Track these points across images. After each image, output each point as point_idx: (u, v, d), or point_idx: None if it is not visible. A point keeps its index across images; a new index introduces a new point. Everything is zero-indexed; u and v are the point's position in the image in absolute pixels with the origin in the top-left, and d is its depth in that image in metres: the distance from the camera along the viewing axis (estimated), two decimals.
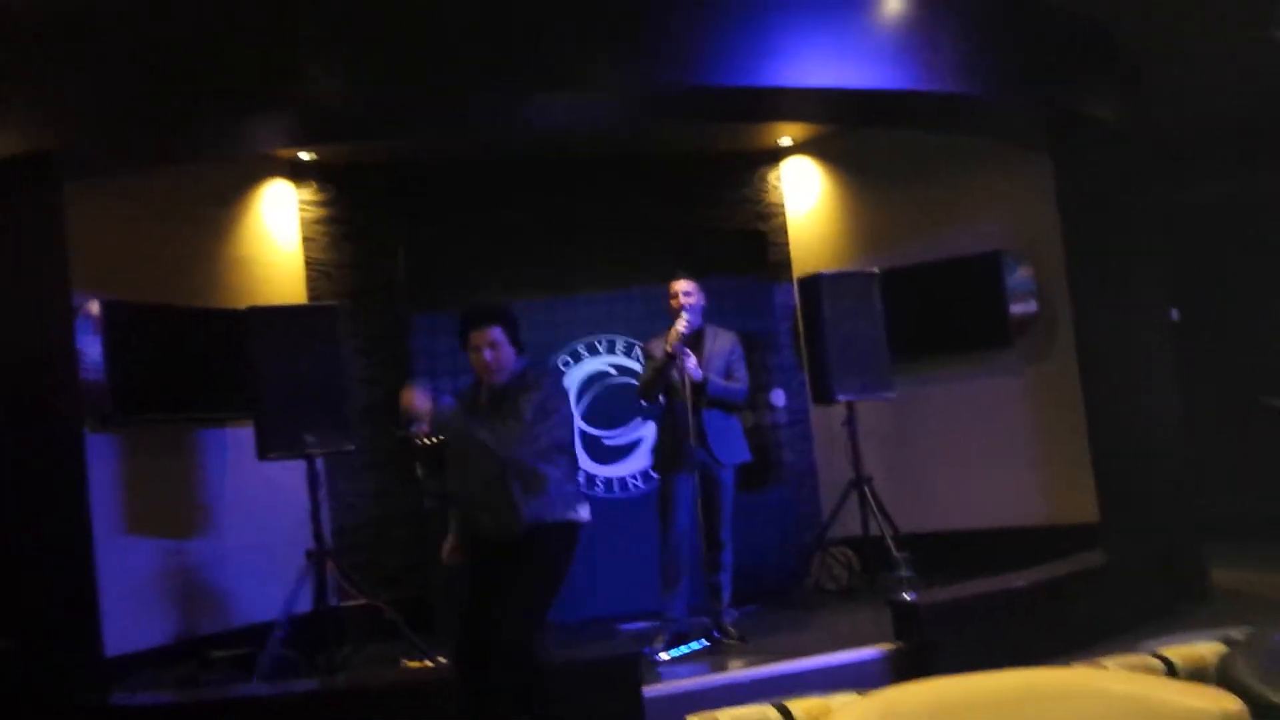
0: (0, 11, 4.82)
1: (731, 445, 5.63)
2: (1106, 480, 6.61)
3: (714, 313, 5.66)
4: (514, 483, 4.00)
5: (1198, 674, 2.18)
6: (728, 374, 5.61)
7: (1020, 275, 7.18)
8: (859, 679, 4.93)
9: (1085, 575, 5.79)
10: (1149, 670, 2.18)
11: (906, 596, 5.37)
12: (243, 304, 6.09)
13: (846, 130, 7.46)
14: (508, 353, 4.14)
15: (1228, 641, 2.16)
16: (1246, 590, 6.40)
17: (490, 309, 4.21)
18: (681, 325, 5.42)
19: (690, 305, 5.51)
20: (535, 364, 4.27)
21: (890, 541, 6.37)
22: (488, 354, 4.10)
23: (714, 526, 5.53)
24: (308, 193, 7.06)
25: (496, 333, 4.12)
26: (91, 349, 5.59)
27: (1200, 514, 6.54)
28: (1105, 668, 2.17)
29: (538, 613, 4.07)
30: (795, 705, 2.09)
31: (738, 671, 4.99)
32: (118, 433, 5.85)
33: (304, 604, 5.62)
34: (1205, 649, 2.21)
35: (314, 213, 7.07)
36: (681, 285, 5.56)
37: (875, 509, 6.58)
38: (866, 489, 6.64)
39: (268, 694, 4.88)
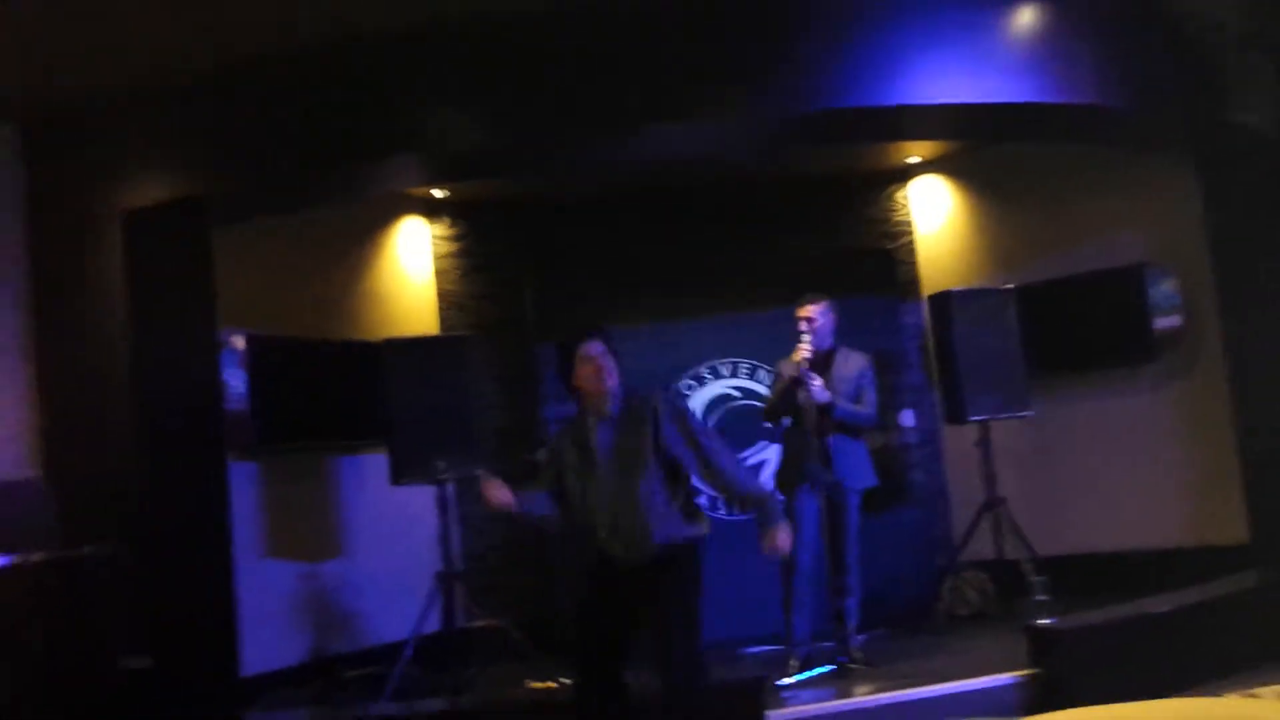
0: (154, 68, 5.16)
1: (857, 469, 5.55)
2: (1258, 498, 6.27)
3: (843, 333, 5.61)
4: (645, 504, 4.01)
5: None
6: (857, 397, 5.55)
7: (1165, 288, 6.88)
8: (991, 707, 4.82)
9: (1234, 599, 5.52)
10: None
11: (1042, 621, 5.19)
12: (378, 336, 6.31)
13: (977, 146, 7.31)
14: (614, 366, 4.12)
15: None
16: None
17: (592, 327, 4.21)
18: (804, 349, 5.38)
19: (815, 328, 5.47)
20: (642, 389, 4.25)
21: (1026, 565, 6.16)
22: (604, 363, 4.07)
23: (840, 550, 5.47)
24: (440, 228, 7.29)
25: (602, 347, 4.12)
26: (236, 381, 5.84)
27: None
28: (1259, 697, 2.04)
29: (699, 631, 4.07)
30: None
31: (864, 697, 4.90)
32: (259, 461, 6.10)
33: (432, 625, 5.75)
34: None
35: (446, 247, 7.29)
36: (805, 310, 5.52)
37: (1010, 530, 6.37)
38: (1000, 510, 6.44)
39: (396, 713, 5.01)
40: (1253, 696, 2.14)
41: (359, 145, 5.20)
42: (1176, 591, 5.50)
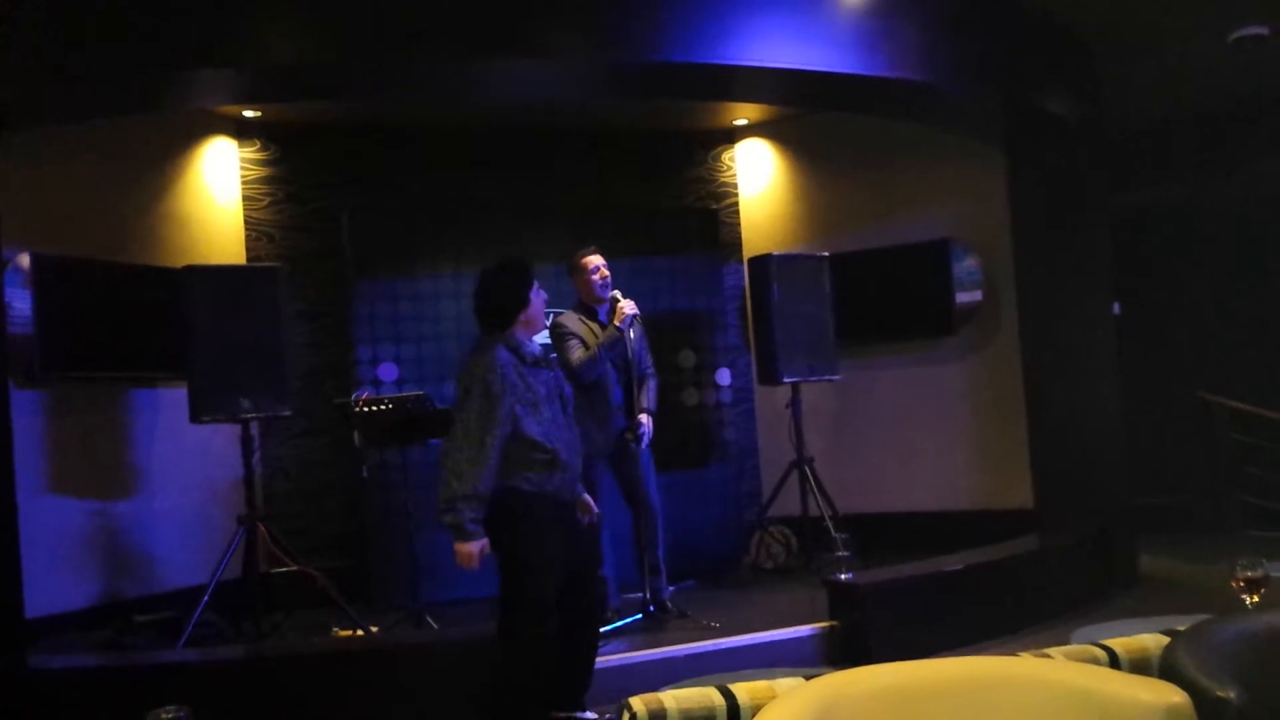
0: None
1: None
2: (1043, 467, 6.73)
3: (664, 290, 5.60)
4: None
5: (1141, 665, 2.18)
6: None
7: (967, 264, 7.25)
8: (794, 657, 4.99)
9: (1020, 559, 5.88)
10: (1093, 660, 2.18)
11: (842, 576, 5.40)
12: (179, 262, 5.95)
13: (802, 113, 7.46)
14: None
15: (1170, 633, 2.17)
16: (1174, 579, 6.55)
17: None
18: (628, 301, 5.34)
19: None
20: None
21: (829, 522, 6.41)
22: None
23: (648, 500, 5.50)
24: (250, 151, 6.89)
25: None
26: (20, 303, 5.43)
27: (1132, 504, 6.67)
28: (1050, 657, 2.16)
29: None
30: (739, 688, 2.06)
31: (672, 647, 4.98)
32: (45, 389, 5.69)
33: (234, 570, 5.51)
34: (1149, 640, 2.22)
35: (256, 172, 6.90)
36: (598, 260, 5.44)
37: (815, 489, 6.61)
38: (807, 469, 6.67)
39: (192, 660, 4.79)
40: (1045, 656, 2.26)
41: (166, 52, 4.76)
42: (967, 551, 5.81)
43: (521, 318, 4.00)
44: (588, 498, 4.21)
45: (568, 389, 4.15)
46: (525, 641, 3.86)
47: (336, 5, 4.88)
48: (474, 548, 3.76)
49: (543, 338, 4.81)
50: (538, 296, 4.05)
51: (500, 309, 3.99)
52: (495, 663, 3.91)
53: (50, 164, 5.70)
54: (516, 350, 3.93)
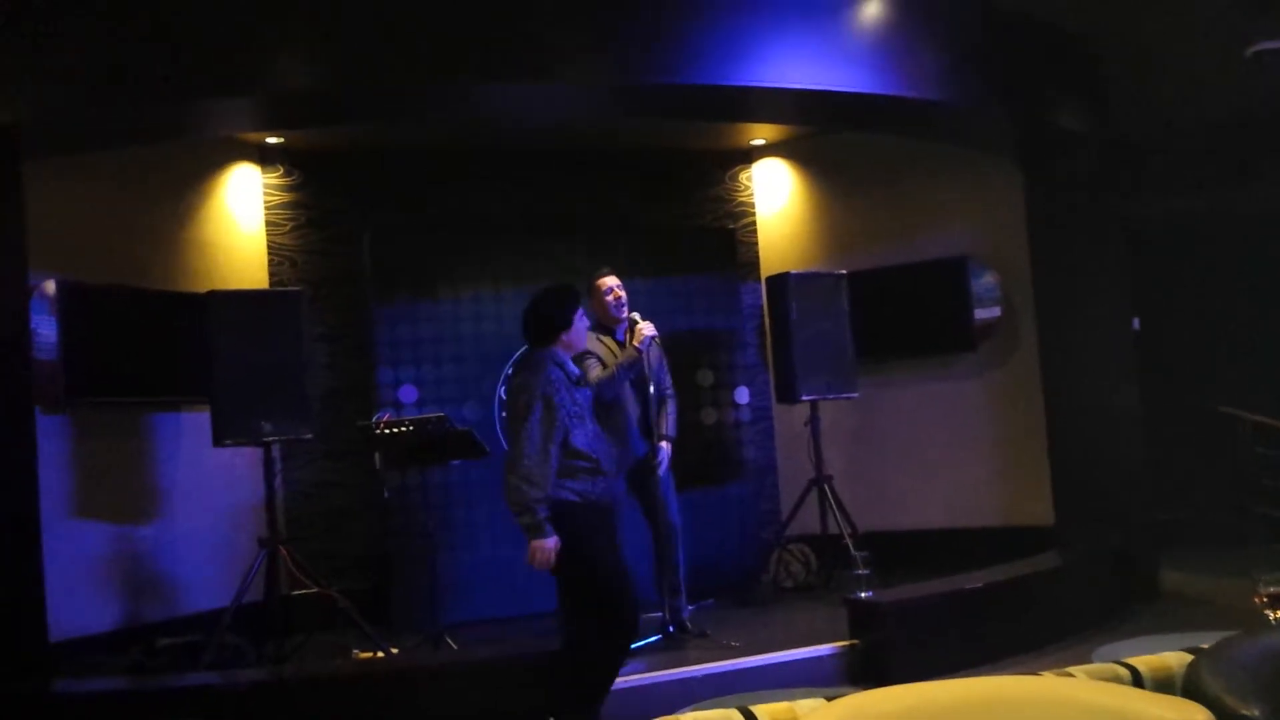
0: None
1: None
2: (1063, 483, 6.69)
3: (682, 309, 5.61)
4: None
5: (1164, 683, 2.17)
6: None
7: (985, 281, 7.25)
8: (814, 676, 4.96)
9: (1040, 576, 5.84)
10: (1115, 679, 2.17)
11: (862, 594, 5.39)
12: (203, 288, 5.98)
13: (819, 133, 7.48)
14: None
15: (1194, 651, 2.16)
16: (1194, 594, 6.50)
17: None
18: (647, 323, 5.38)
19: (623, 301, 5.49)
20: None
21: (848, 540, 6.39)
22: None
23: (669, 520, 5.51)
24: (273, 177, 6.97)
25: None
26: (46, 329, 5.50)
27: (1153, 519, 6.62)
28: (1073, 676, 2.16)
29: None
30: (760, 710, 2.06)
31: (692, 667, 4.97)
32: (70, 414, 5.74)
33: (255, 593, 5.53)
34: (1172, 658, 2.20)
35: (278, 198, 6.97)
36: (612, 281, 5.49)
37: (834, 507, 6.60)
38: (826, 487, 6.66)
39: (215, 682, 4.79)
40: (1067, 675, 2.25)
41: (189, 81, 4.84)
42: (988, 569, 5.78)
43: (564, 337, 4.31)
44: None
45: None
46: (614, 645, 4.17)
47: (356, 32, 4.94)
48: (549, 544, 4.04)
49: None
50: (580, 321, 4.35)
51: (547, 324, 4.31)
52: (565, 674, 4.18)
53: (76, 191, 5.77)
54: (563, 367, 4.24)
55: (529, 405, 4.08)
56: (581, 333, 4.40)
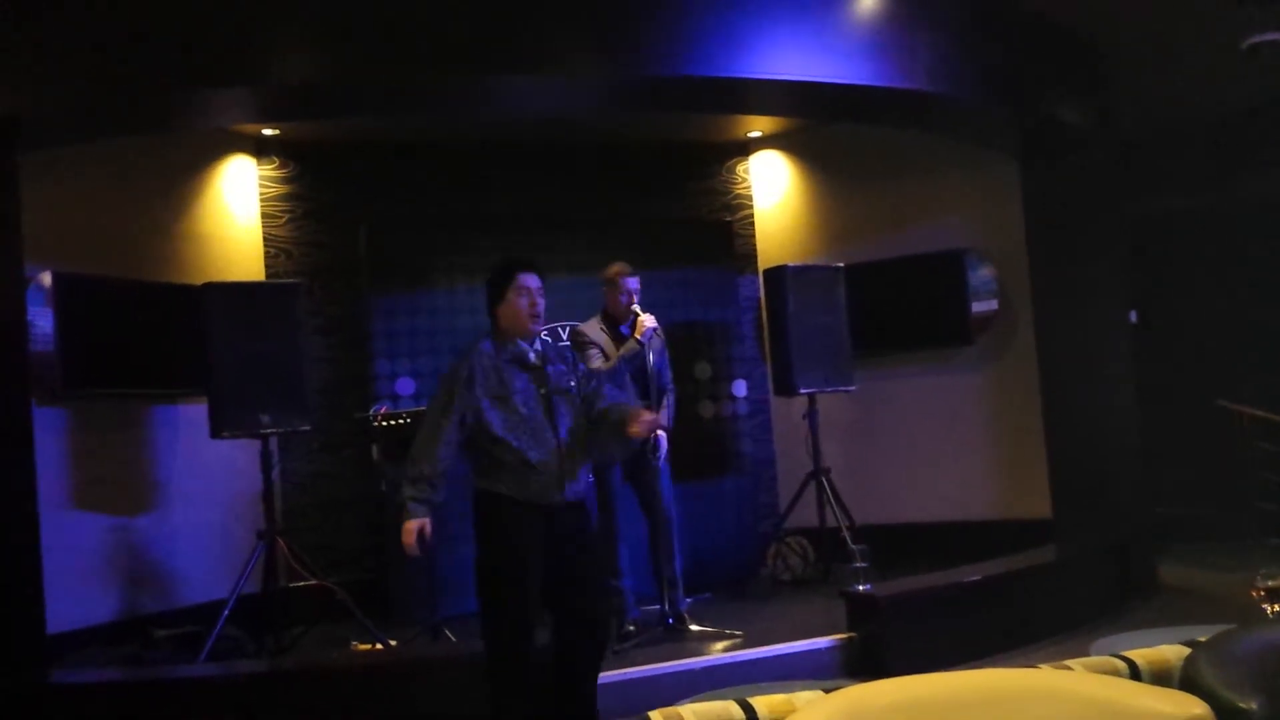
0: None
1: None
2: (1061, 477, 6.70)
3: (679, 302, 5.61)
4: (583, 440, 3.97)
5: (1162, 676, 2.18)
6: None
7: (983, 274, 7.26)
8: (812, 669, 4.98)
9: (1037, 570, 5.85)
10: (1113, 672, 2.18)
11: (860, 587, 5.40)
12: (199, 280, 5.98)
13: (816, 125, 7.47)
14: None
15: (1192, 644, 2.16)
16: (1193, 588, 6.51)
17: (525, 259, 4.09)
18: (648, 315, 5.40)
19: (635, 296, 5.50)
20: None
21: (846, 533, 6.40)
22: (540, 300, 3.99)
23: (665, 514, 5.52)
24: (269, 169, 6.95)
25: (539, 282, 4.04)
26: (42, 321, 5.49)
27: (1151, 512, 6.63)
28: (1071, 669, 2.16)
29: None
30: (759, 702, 2.06)
31: (691, 660, 4.98)
32: (67, 406, 5.74)
33: (253, 585, 5.54)
34: (1169, 651, 2.21)
35: (275, 189, 6.96)
36: (624, 272, 5.49)
37: (832, 500, 6.60)
38: (824, 480, 6.66)
39: (213, 674, 4.80)
40: (1065, 668, 2.25)
41: (186, 72, 4.82)
42: (985, 562, 5.80)
43: (499, 313, 4.02)
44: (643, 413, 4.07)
45: (563, 399, 4.01)
46: (502, 656, 3.83)
47: (352, 23, 4.92)
48: (412, 525, 3.79)
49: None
50: (520, 296, 3.99)
51: (488, 304, 4.07)
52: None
53: (72, 183, 5.76)
54: (500, 345, 3.96)
55: (440, 380, 4.01)
56: (515, 309, 3.97)
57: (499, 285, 4.03)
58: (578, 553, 3.95)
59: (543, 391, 3.94)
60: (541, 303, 4.02)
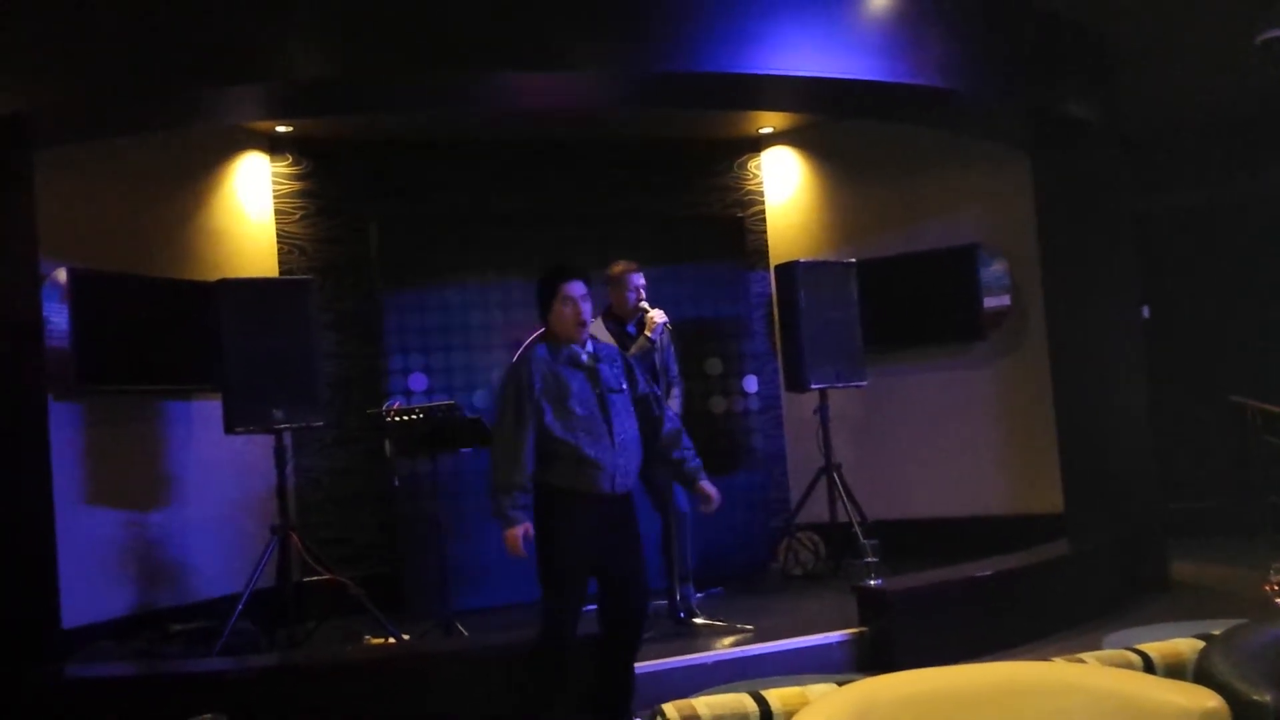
0: None
1: None
2: (1072, 472, 6.69)
3: (690, 298, 5.61)
4: (633, 439, 4.10)
5: (1176, 670, 2.18)
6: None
7: (995, 269, 7.24)
8: (823, 663, 4.98)
9: (1049, 565, 5.85)
10: (1128, 666, 2.18)
11: (871, 582, 5.40)
12: (213, 276, 6.01)
13: (828, 121, 7.47)
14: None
15: (1205, 638, 2.16)
16: (1206, 583, 6.49)
17: (573, 267, 4.19)
18: (658, 311, 5.41)
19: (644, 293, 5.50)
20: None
21: (857, 528, 6.40)
22: (587, 305, 4.12)
23: (677, 509, 5.53)
24: (282, 166, 6.97)
25: (585, 288, 4.15)
26: (58, 317, 5.51)
27: (1163, 508, 6.62)
28: (1085, 662, 2.16)
29: None
30: (772, 694, 2.07)
31: (703, 654, 4.99)
32: (82, 402, 5.76)
33: (267, 579, 5.56)
34: (1183, 645, 2.21)
35: (288, 186, 6.98)
36: (628, 269, 5.51)
37: (843, 495, 6.61)
38: (835, 475, 6.66)
39: (227, 668, 4.83)
40: (1079, 661, 2.26)
41: (200, 68, 4.84)
42: (997, 557, 5.80)
43: (550, 320, 4.15)
44: (709, 486, 4.30)
45: (618, 398, 4.14)
46: (554, 638, 4.00)
47: (363, 19, 4.93)
48: (516, 532, 3.96)
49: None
50: (565, 305, 4.10)
51: (539, 311, 4.19)
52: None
53: (86, 180, 5.78)
54: (554, 349, 4.10)
55: (503, 388, 4.14)
56: (564, 316, 4.09)
57: (546, 295, 4.15)
58: (625, 542, 4.12)
59: (597, 391, 4.09)
60: (588, 307, 4.14)
